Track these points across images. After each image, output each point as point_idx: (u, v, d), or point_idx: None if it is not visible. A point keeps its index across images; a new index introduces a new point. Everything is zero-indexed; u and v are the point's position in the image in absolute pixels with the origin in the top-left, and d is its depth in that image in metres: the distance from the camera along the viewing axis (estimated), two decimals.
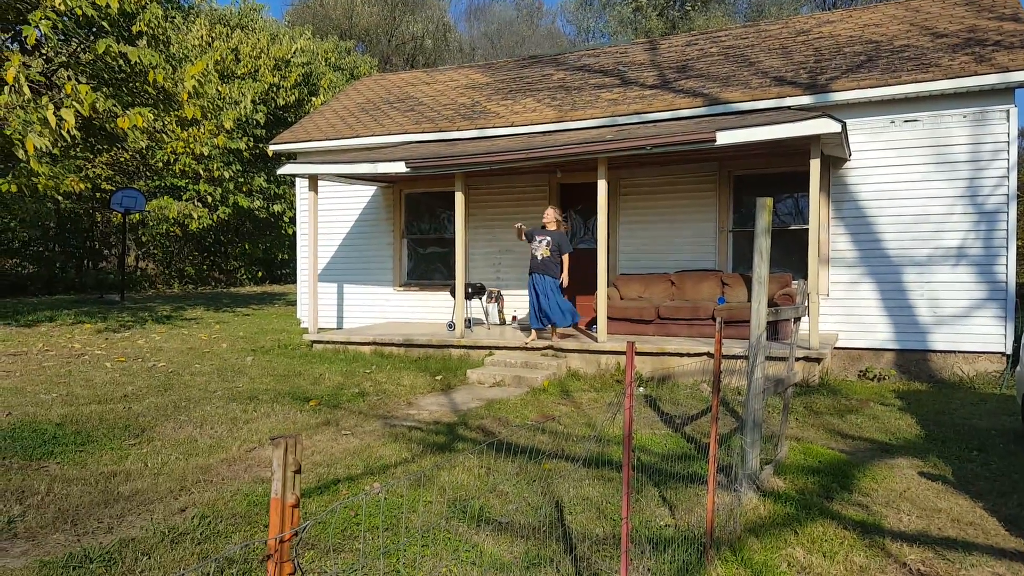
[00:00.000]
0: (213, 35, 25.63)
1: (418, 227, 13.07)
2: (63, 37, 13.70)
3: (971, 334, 9.36)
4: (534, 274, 9.58)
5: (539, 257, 9.54)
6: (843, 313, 9.94)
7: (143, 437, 6.26)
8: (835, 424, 7.04)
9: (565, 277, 9.57)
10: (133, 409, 7.24)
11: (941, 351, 9.52)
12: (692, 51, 13.00)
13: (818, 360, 8.66)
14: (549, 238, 9.57)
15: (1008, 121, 9.20)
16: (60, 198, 16.47)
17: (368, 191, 13.13)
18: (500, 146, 10.19)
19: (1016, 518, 4.58)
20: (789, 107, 9.86)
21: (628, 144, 8.84)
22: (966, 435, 6.61)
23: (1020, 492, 5.07)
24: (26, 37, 10.95)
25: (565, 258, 9.59)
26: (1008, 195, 9.18)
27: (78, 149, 15.12)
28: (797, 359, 8.37)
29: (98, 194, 22.19)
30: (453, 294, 11.01)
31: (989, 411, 7.66)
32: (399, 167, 10.10)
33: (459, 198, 10.17)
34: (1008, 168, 9.18)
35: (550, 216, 9.74)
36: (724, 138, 8.37)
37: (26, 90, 10.19)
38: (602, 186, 9.32)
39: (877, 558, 3.98)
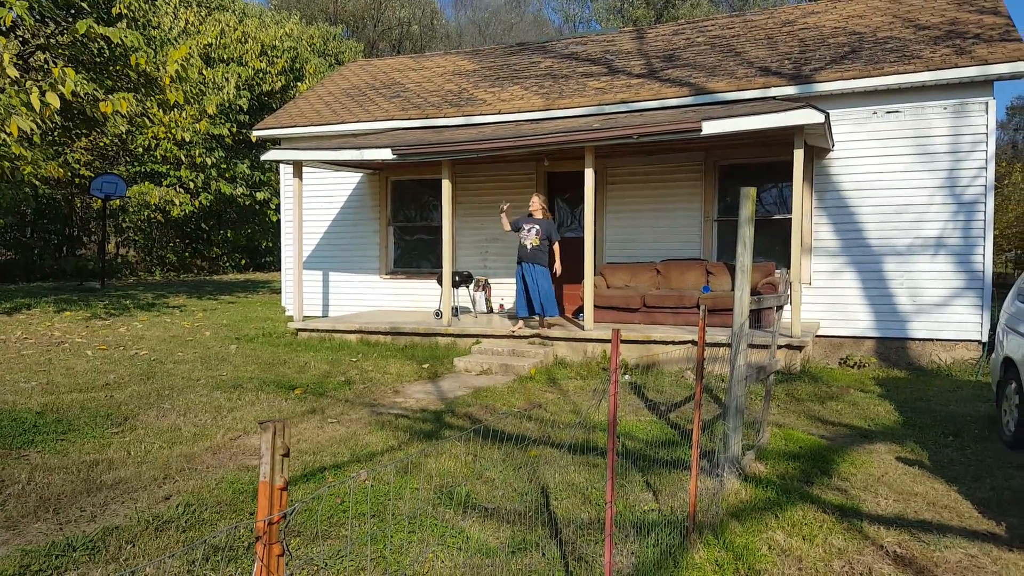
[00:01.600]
0: (198, 18, 25.31)
1: (404, 214, 13.03)
2: (39, 18, 13.47)
3: (949, 322, 9.50)
4: (524, 263, 9.58)
5: (529, 246, 9.54)
6: (825, 302, 10.05)
7: (126, 425, 6.23)
8: (816, 410, 7.14)
9: (558, 266, 9.61)
10: (115, 397, 7.20)
11: (920, 339, 9.66)
12: (679, 40, 13.02)
13: (800, 348, 8.76)
14: (538, 227, 9.57)
15: (987, 113, 9.31)
16: (39, 183, 16.25)
17: (354, 178, 13.06)
18: (487, 133, 10.17)
19: (989, 501, 4.69)
20: (774, 97, 9.92)
21: (615, 133, 8.86)
22: (943, 421, 6.73)
23: (993, 476, 5.18)
24: (1, 19, 10.75)
25: (556, 247, 9.62)
26: (986, 186, 9.31)
27: (56, 133, 14.90)
28: (779, 347, 8.47)
29: (77, 179, 21.91)
30: (440, 282, 11.01)
31: (965, 398, 7.80)
32: (385, 154, 10.06)
33: (446, 185, 10.15)
34: (987, 160, 9.30)
35: (536, 204, 9.74)
36: (710, 128, 8.42)
37: (12, 71, 10.01)
38: (589, 174, 9.33)
39: (855, 541, 4.06)
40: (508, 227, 9.82)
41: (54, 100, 10.20)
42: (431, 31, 46.74)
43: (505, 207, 9.94)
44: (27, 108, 10.24)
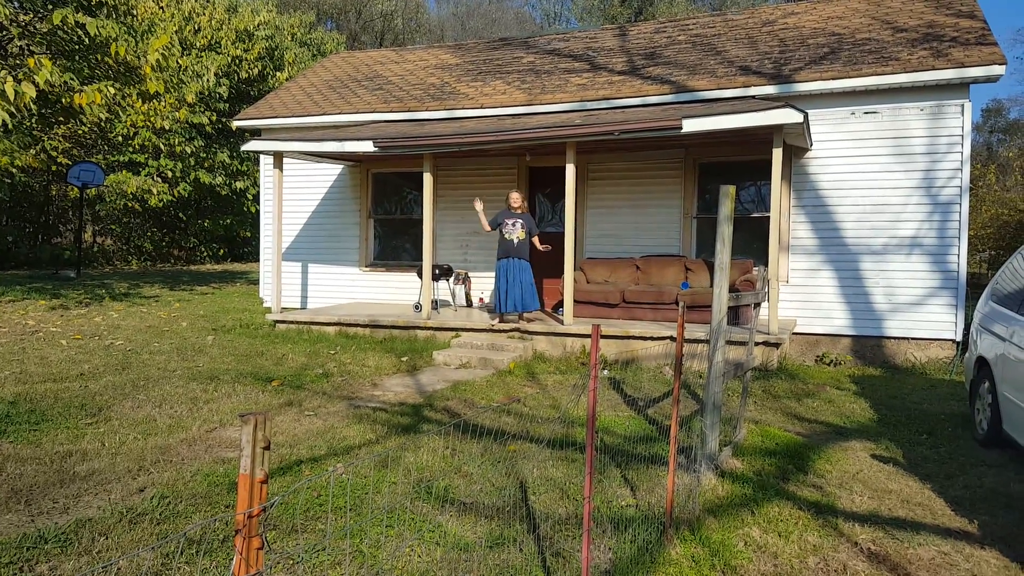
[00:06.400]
0: (163, 4, 24.86)
1: (385, 207, 12.97)
2: (19, 5, 13.19)
3: (924, 322, 9.65)
4: (510, 258, 9.52)
5: (515, 241, 9.51)
6: (802, 299, 10.16)
7: (100, 416, 6.15)
8: (792, 407, 7.21)
9: (544, 247, 9.77)
10: (90, 388, 7.10)
11: (895, 338, 9.80)
12: (660, 38, 13.06)
13: (777, 345, 8.85)
14: (522, 220, 9.58)
15: (963, 115, 9.43)
16: (14, 171, 15.97)
17: (335, 170, 12.97)
18: (469, 128, 10.14)
19: (961, 499, 4.77)
20: (754, 96, 9.98)
21: (596, 129, 8.87)
22: (917, 419, 6.83)
23: (966, 474, 5.27)
24: None
25: (536, 240, 9.66)
26: (961, 188, 9.44)
27: (33, 121, 14.60)
28: (757, 344, 8.54)
29: (54, 167, 21.54)
30: (420, 275, 10.97)
31: (939, 396, 7.92)
32: (367, 146, 10.00)
33: (427, 179, 10.11)
34: (962, 161, 9.43)
35: (518, 200, 9.71)
36: (690, 126, 8.46)
37: None
38: (570, 170, 9.34)
39: (830, 537, 4.11)
40: (488, 227, 9.73)
41: (29, 89, 10.00)
42: (415, 24, 46.47)
43: (480, 207, 9.75)
44: (1, 98, 10.04)
